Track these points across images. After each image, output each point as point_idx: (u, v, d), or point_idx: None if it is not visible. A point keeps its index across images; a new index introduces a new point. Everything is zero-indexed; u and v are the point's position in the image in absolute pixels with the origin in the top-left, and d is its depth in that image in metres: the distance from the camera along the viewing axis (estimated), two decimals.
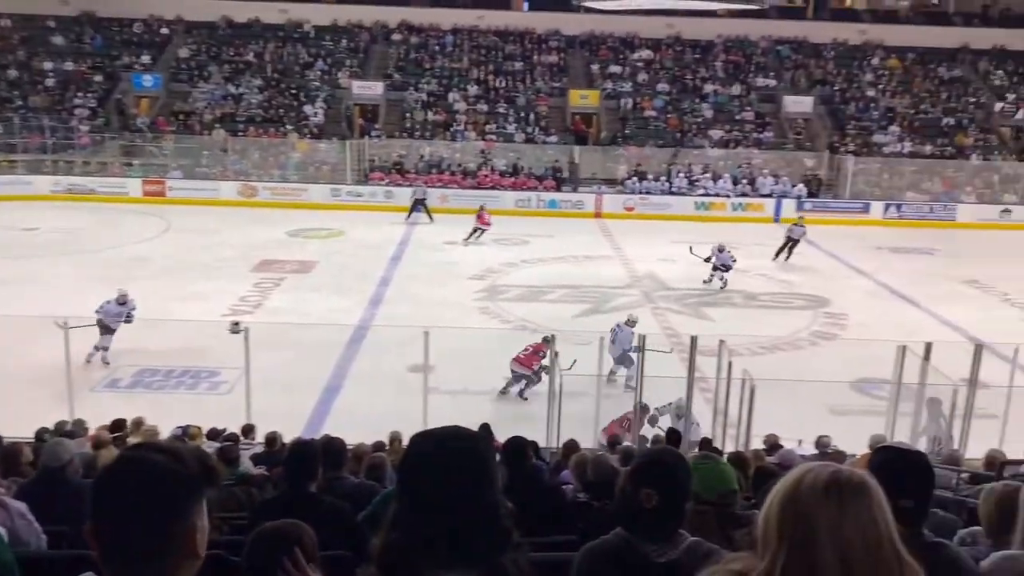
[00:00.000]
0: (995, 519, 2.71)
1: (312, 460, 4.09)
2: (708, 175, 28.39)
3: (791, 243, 21.13)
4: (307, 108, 30.29)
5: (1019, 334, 14.49)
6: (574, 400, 10.24)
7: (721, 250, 18.35)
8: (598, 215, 27.15)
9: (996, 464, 6.95)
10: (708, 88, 32.34)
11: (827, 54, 34.28)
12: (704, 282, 18.42)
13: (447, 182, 27.75)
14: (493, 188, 27.50)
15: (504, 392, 12.14)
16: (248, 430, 9.23)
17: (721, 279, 18.32)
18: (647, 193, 27.80)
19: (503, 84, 32.20)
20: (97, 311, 12.59)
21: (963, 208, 27.89)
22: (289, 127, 29.45)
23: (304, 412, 11.07)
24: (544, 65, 33.19)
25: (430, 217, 25.06)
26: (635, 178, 28.13)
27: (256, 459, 7.71)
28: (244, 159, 28.46)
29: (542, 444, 8.83)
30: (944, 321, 16.31)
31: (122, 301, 12.86)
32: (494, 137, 29.83)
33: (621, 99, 31.71)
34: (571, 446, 7.13)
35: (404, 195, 26.23)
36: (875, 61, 33.96)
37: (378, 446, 7.48)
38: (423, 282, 18.25)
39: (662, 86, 32.37)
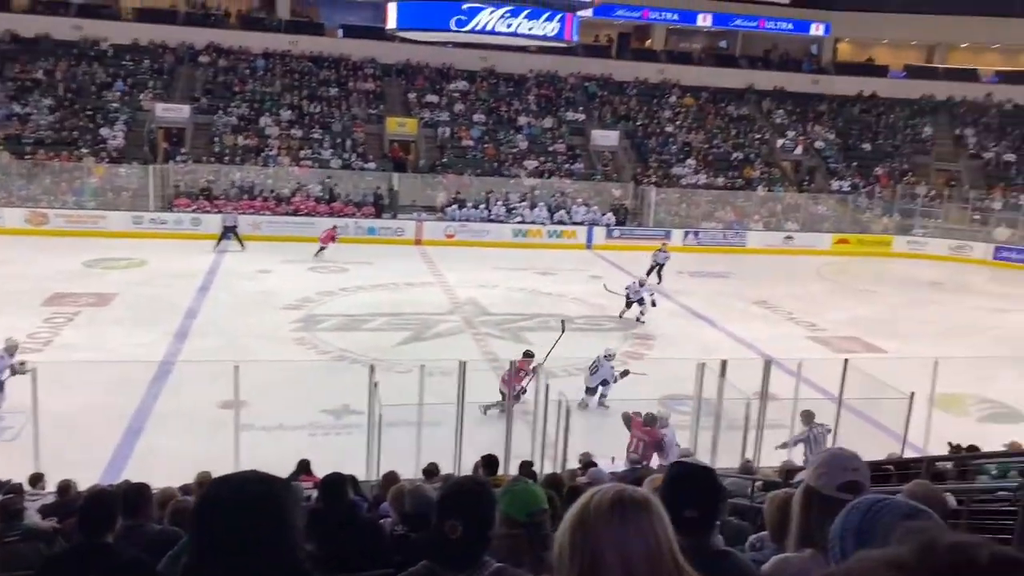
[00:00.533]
0: (776, 523, 2.96)
1: (108, 508, 3.81)
2: (525, 203, 29.26)
3: (657, 266, 22.68)
4: (104, 130, 28.36)
5: (802, 349, 15.95)
6: (395, 430, 10.14)
7: (642, 284, 18.75)
8: (418, 242, 27.23)
9: (783, 472, 7.56)
10: (522, 120, 33.41)
11: (630, 91, 36.41)
12: (637, 319, 18.48)
13: (259, 209, 26.88)
14: (308, 215, 26.94)
15: (486, 411, 12.12)
16: (36, 479, 8.45)
17: (637, 312, 18.50)
18: (466, 220, 28.24)
19: (318, 109, 31.69)
20: None
21: (752, 235, 30.37)
22: (85, 150, 27.44)
23: (103, 457, 10.28)
24: (360, 92, 33.02)
25: (241, 245, 24.16)
26: (455, 206, 28.50)
27: (46, 511, 7.06)
28: (33, 184, 26.19)
29: (362, 477, 8.69)
30: (738, 339, 17.61)
31: (12, 351, 11.49)
32: (309, 163, 29.25)
33: (439, 128, 32.10)
34: (391, 478, 7.05)
35: (213, 222, 25.15)
36: (672, 99, 36.44)
37: (186, 489, 7.07)
38: (234, 313, 17.51)
39: (478, 117, 33.09)
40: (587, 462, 9.15)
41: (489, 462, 7.69)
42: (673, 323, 19.02)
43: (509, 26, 16.82)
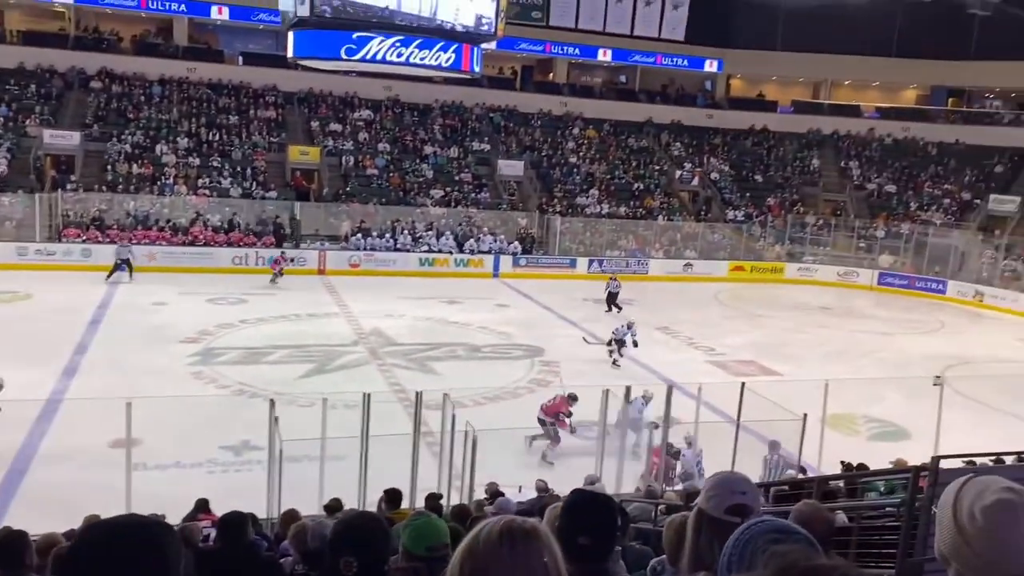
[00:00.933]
0: (673, 546, 3.01)
1: None
2: (432, 232, 29.23)
3: (611, 296, 23.53)
4: None
5: (703, 373, 16.40)
6: (297, 466, 9.87)
7: (629, 327, 18.34)
8: (322, 272, 26.81)
9: (685, 496, 7.71)
10: (428, 150, 33.46)
11: (534, 123, 37.01)
12: (614, 363, 17.94)
13: (155, 239, 25.97)
14: (207, 245, 26.18)
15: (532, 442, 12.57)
16: None
17: (614, 353, 18.14)
18: (372, 250, 27.98)
19: (217, 137, 30.95)
20: None
21: (653, 263, 31.16)
22: None
23: None
24: (261, 120, 32.45)
25: (130, 275, 23.32)
26: (359, 235, 28.21)
27: None
28: None
29: (263, 515, 8.43)
30: (642, 364, 17.95)
31: None
32: (207, 192, 28.48)
33: (343, 156, 31.80)
34: (291, 515, 6.86)
35: (104, 253, 24.17)
36: (576, 131, 37.21)
37: (70, 535, 6.69)
38: (127, 348, 16.80)
39: (383, 146, 32.97)
40: (494, 492, 9.12)
41: (392, 496, 7.57)
42: (579, 350, 19.24)
43: (400, 56, 16.75)
